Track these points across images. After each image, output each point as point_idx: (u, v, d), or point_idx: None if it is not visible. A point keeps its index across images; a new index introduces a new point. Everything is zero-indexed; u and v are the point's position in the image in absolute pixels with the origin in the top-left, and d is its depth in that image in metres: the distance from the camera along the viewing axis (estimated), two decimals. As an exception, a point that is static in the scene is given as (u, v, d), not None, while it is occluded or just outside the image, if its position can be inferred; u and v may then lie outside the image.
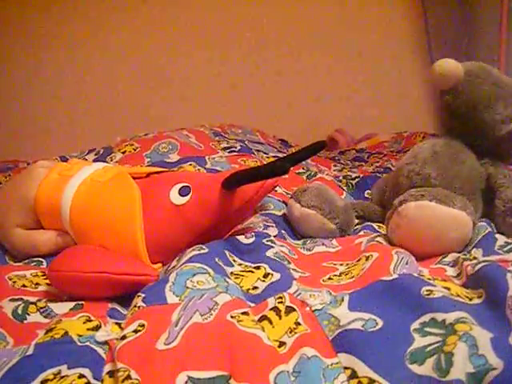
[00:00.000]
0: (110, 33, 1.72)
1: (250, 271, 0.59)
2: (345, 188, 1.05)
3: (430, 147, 0.77)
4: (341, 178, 1.12)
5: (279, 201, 0.88)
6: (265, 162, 1.12)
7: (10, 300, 0.56)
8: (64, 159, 1.18)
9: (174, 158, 1.06)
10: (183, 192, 0.65)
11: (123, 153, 1.13)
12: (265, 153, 1.21)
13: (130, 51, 1.73)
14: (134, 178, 0.69)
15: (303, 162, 1.20)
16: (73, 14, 1.69)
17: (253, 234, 0.67)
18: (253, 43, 1.80)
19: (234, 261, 0.62)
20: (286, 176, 0.69)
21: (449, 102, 0.78)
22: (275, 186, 0.82)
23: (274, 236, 0.70)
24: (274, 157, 1.19)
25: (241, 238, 0.66)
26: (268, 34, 1.81)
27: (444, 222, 0.62)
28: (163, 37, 1.75)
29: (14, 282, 0.61)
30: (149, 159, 1.07)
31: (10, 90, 1.70)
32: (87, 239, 0.66)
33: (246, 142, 1.24)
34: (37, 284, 0.61)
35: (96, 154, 1.16)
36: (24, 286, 0.60)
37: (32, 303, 0.56)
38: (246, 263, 0.61)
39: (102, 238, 0.65)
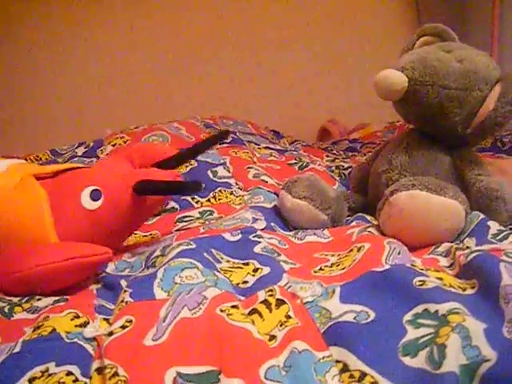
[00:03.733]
0: (107, 29, 1.70)
1: (238, 267, 0.58)
2: (337, 178, 1.04)
3: (403, 150, 0.74)
4: (333, 168, 1.11)
5: (270, 192, 0.87)
6: (256, 153, 1.11)
7: None
8: (54, 153, 1.18)
9: (165, 150, 1.05)
10: (95, 196, 0.65)
11: (113, 145, 1.12)
12: (256, 144, 1.20)
13: (126, 48, 1.71)
14: (40, 178, 0.68)
15: (295, 153, 1.19)
16: (70, 12, 1.67)
17: (239, 231, 0.67)
18: (246, 36, 1.79)
19: (222, 258, 0.61)
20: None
21: (401, 112, 0.76)
22: None
23: (262, 229, 0.69)
24: (265, 148, 1.18)
25: (226, 235, 0.65)
26: (261, 27, 1.79)
27: (436, 211, 0.61)
28: (161, 33, 1.73)
29: None
30: (139, 152, 1.06)
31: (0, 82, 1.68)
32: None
33: (238, 134, 1.22)
34: None
35: (86, 148, 1.15)
36: None
37: (17, 305, 0.55)
38: (234, 260, 0.60)
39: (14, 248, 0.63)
